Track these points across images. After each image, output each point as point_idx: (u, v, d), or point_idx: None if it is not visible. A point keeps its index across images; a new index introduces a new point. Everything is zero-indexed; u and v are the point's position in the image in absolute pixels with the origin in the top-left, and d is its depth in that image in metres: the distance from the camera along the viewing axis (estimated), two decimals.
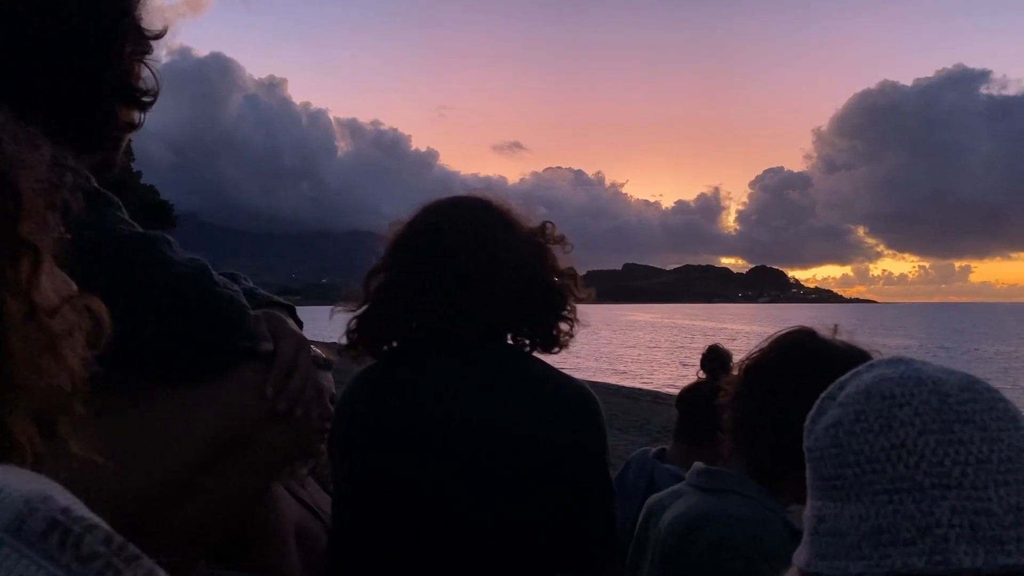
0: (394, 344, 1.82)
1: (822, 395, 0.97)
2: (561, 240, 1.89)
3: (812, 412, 0.97)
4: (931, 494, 0.78)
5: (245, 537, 1.84)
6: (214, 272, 1.47)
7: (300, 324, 1.71)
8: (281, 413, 1.50)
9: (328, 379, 2.20)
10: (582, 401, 1.73)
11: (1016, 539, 0.76)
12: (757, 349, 1.80)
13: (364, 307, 1.82)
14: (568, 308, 1.85)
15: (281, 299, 1.74)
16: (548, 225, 1.89)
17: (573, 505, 1.67)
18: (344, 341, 1.87)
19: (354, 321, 1.83)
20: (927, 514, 0.77)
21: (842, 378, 0.95)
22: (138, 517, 1.32)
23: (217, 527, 1.55)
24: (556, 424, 1.66)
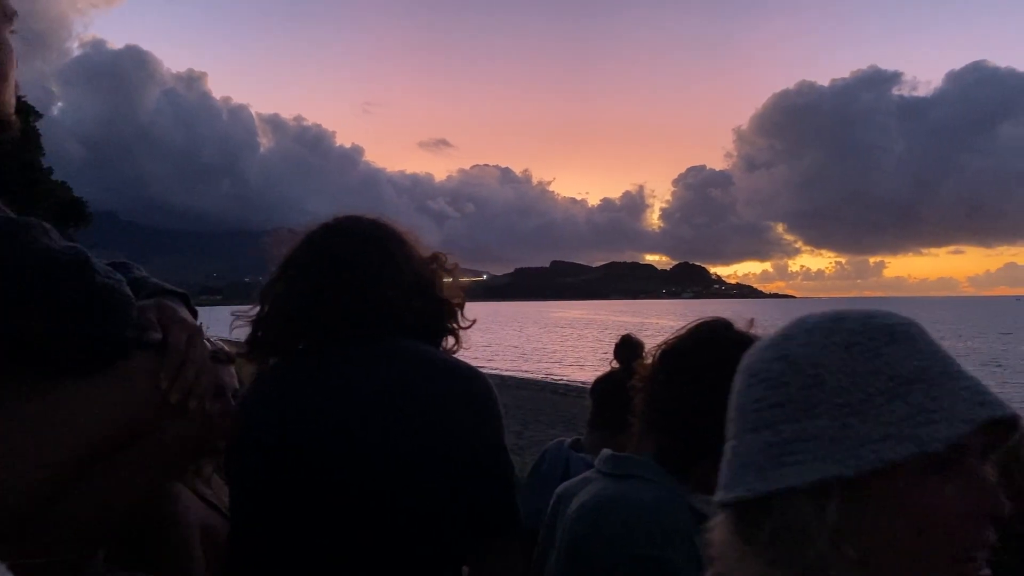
0: (296, 347, 1.82)
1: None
2: (453, 269, 1.96)
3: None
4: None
5: (146, 538, 1.79)
6: (95, 260, 1.40)
7: (195, 314, 1.66)
8: (174, 405, 1.44)
9: (230, 374, 2.15)
10: (479, 389, 1.75)
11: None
12: (673, 336, 1.81)
13: (265, 310, 1.83)
14: (454, 328, 1.92)
15: (174, 288, 1.68)
16: (441, 255, 1.95)
17: (475, 493, 1.67)
18: (246, 345, 1.87)
19: (255, 324, 1.84)
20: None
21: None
22: (22, 513, 1.28)
23: (110, 523, 1.49)
24: (455, 412, 1.67)
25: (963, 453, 0.84)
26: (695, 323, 1.82)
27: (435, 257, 1.93)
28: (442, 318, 1.89)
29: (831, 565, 0.82)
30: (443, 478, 1.63)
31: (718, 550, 0.91)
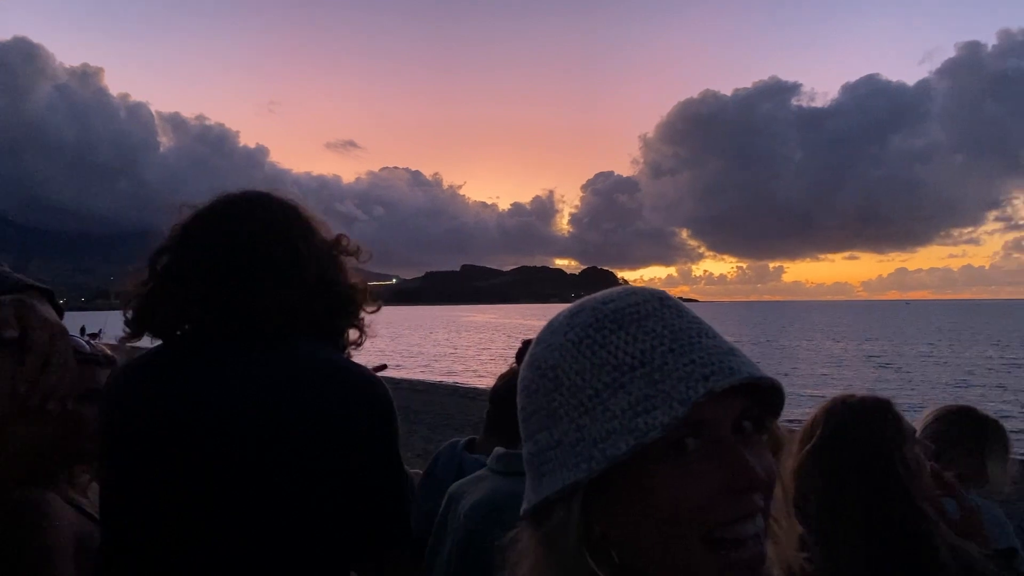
0: (176, 332, 1.69)
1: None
2: (356, 252, 1.87)
3: None
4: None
5: (10, 552, 1.67)
6: None
7: (60, 311, 1.55)
8: (33, 409, 1.35)
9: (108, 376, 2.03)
10: (372, 396, 1.67)
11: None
12: None
13: (148, 288, 1.69)
14: (357, 317, 1.84)
15: (39, 283, 1.57)
16: (344, 237, 1.86)
17: (364, 504, 1.62)
18: (125, 328, 1.72)
19: (135, 302, 1.70)
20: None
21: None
22: None
23: None
24: (344, 421, 1.59)
25: (703, 429, 0.79)
26: None
27: (338, 241, 1.84)
28: (344, 313, 1.81)
29: (586, 571, 0.80)
30: (329, 488, 1.57)
31: (517, 559, 0.89)
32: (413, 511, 1.78)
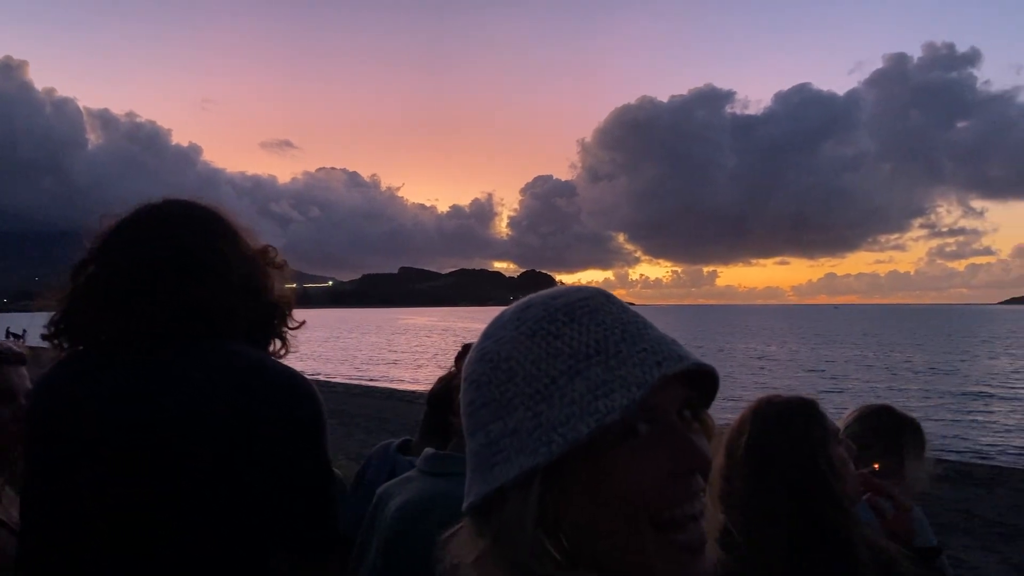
0: (99, 338, 1.66)
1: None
2: (282, 266, 1.87)
3: None
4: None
5: None
6: None
7: None
8: None
9: (21, 375, 1.98)
10: (299, 400, 1.66)
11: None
12: None
13: (69, 296, 1.68)
14: (280, 330, 1.83)
15: None
16: (271, 249, 1.86)
17: (288, 496, 1.61)
18: (47, 334, 1.70)
19: (58, 308, 1.69)
20: None
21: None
22: None
23: None
24: (270, 425, 1.58)
25: (654, 415, 0.84)
26: None
27: (264, 251, 1.83)
28: (270, 321, 1.80)
29: (542, 557, 0.81)
30: (252, 489, 1.55)
31: (459, 554, 0.89)
32: (345, 513, 1.77)
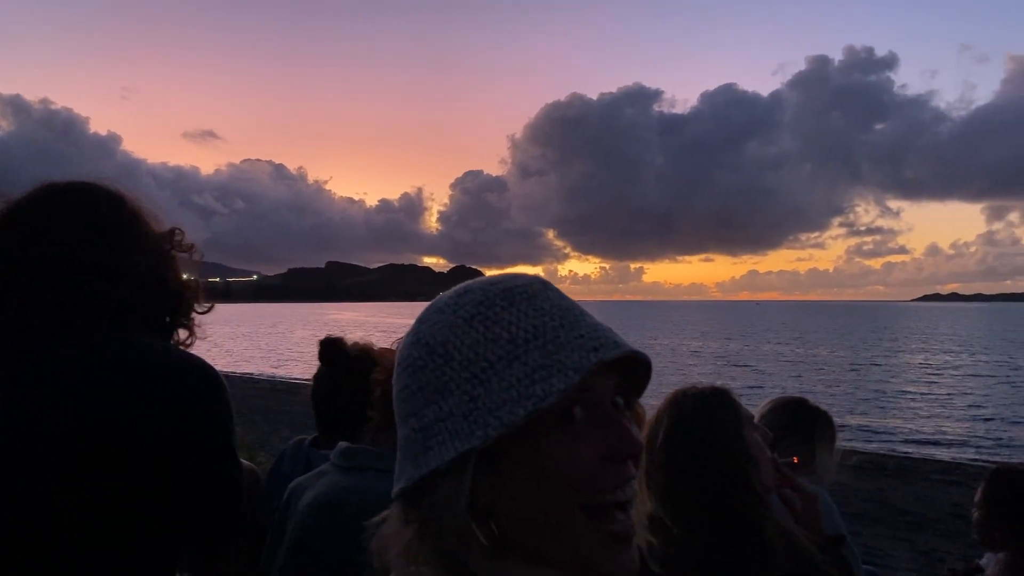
0: None
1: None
2: (190, 248, 1.81)
3: None
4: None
5: None
6: None
7: None
8: None
9: None
10: (203, 384, 1.62)
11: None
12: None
13: None
14: (188, 316, 1.78)
15: None
16: (178, 231, 1.79)
17: (193, 491, 1.58)
18: None
19: None
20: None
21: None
22: None
23: None
24: (173, 408, 1.55)
25: (590, 400, 0.85)
26: None
27: (171, 235, 1.76)
28: (175, 309, 1.74)
29: (469, 543, 0.81)
30: (156, 483, 1.52)
31: (385, 542, 0.87)
32: (262, 507, 1.73)
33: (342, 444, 1.77)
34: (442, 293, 0.95)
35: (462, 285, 0.94)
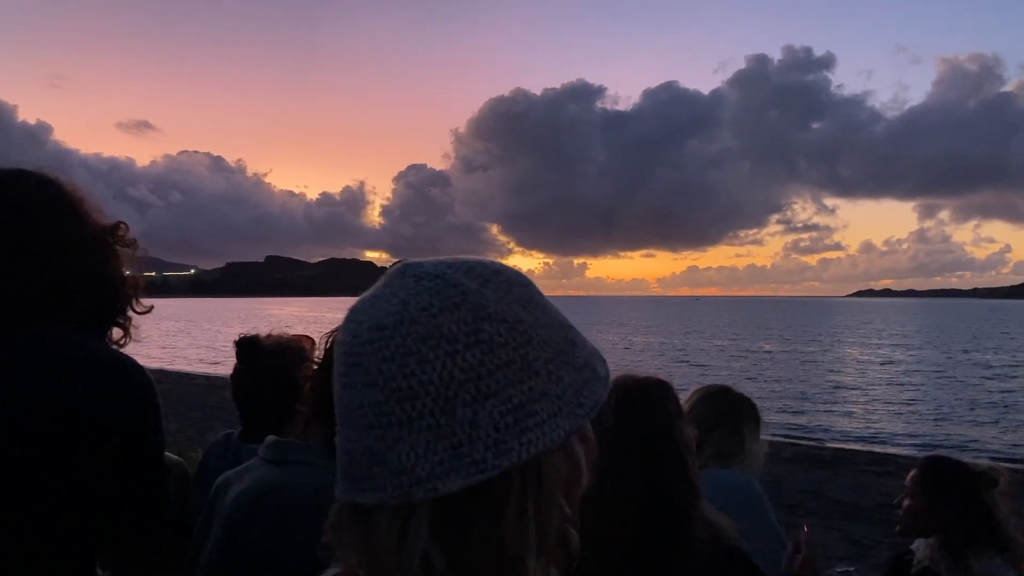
0: None
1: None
2: (133, 244, 1.76)
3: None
4: (337, 432, 0.86)
5: None
6: None
7: None
8: None
9: None
10: (127, 380, 1.59)
11: (367, 479, 0.79)
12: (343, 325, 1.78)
13: None
14: (124, 316, 1.73)
15: None
16: (122, 226, 1.74)
17: (113, 488, 1.54)
18: None
19: None
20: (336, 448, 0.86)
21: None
22: None
23: None
24: (93, 405, 1.51)
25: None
26: None
27: (114, 229, 1.71)
28: (110, 306, 1.69)
29: (525, 548, 0.77)
30: (75, 480, 1.49)
31: (375, 551, 0.78)
32: (191, 502, 1.71)
33: (270, 438, 1.75)
34: (456, 272, 0.84)
35: (479, 263, 0.87)
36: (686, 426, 1.98)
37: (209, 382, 29.65)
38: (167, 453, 1.74)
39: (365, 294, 0.86)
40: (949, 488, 2.89)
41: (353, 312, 0.85)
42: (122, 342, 1.74)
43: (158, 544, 1.61)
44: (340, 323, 0.88)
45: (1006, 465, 3.21)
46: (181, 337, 71.37)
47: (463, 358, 0.78)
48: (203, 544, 1.73)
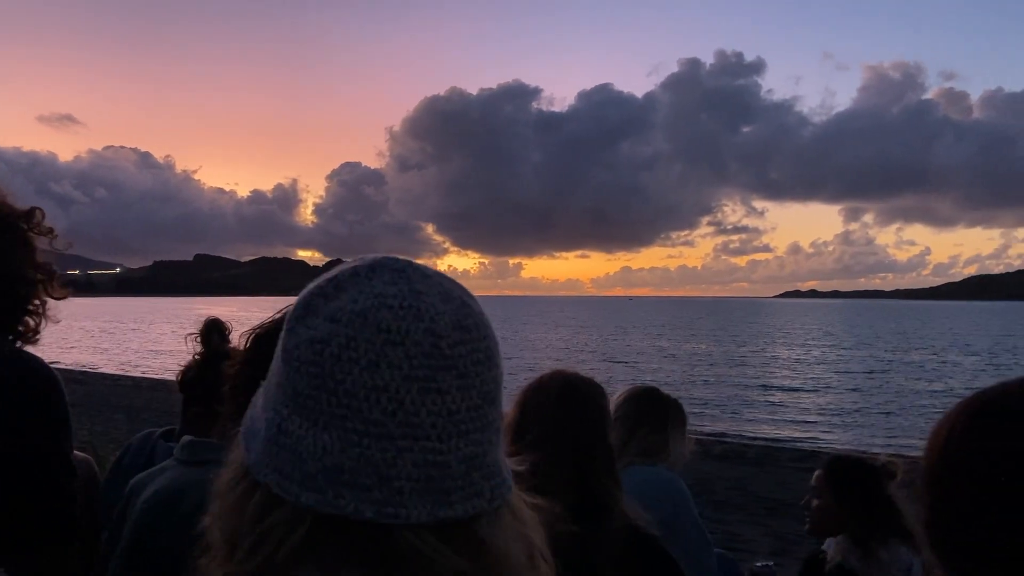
0: None
1: (314, 291, 0.83)
2: (49, 232, 1.71)
3: (298, 311, 0.82)
4: (399, 444, 0.74)
5: None
6: None
7: None
8: None
9: None
10: (29, 380, 1.56)
11: (460, 489, 0.75)
12: (266, 320, 1.76)
13: None
14: (37, 303, 1.69)
15: None
16: (37, 212, 1.70)
17: (16, 489, 1.51)
18: None
19: None
20: (390, 464, 0.73)
21: (340, 275, 0.84)
22: None
23: None
24: None
25: None
26: (286, 308, 1.78)
27: (28, 215, 1.66)
28: (18, 298, 1.64)
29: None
30: None
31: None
32: (100, 501, 1.66)
33: (186, 438, 1.72)
34: (448, 284, 0.84)
35: (421, 266, 0.86)
36: (611, 427, 2.07)
37: (135, 383, 28.98)
38: (75, 451, 1.70)
39: (392, 289, 0.80)
40: (853, 484, 3.01)
41: (408, 310, 0.78)
42: (32, 338, 1.68)
43: (65, 545, 1.57)
44: (338, 324, 0.77)
45: (903, 456, 3.36)
46: (105, 337, 69.33)
47: (488, 372, 0.80)
48: (116, 546, 1.69)
